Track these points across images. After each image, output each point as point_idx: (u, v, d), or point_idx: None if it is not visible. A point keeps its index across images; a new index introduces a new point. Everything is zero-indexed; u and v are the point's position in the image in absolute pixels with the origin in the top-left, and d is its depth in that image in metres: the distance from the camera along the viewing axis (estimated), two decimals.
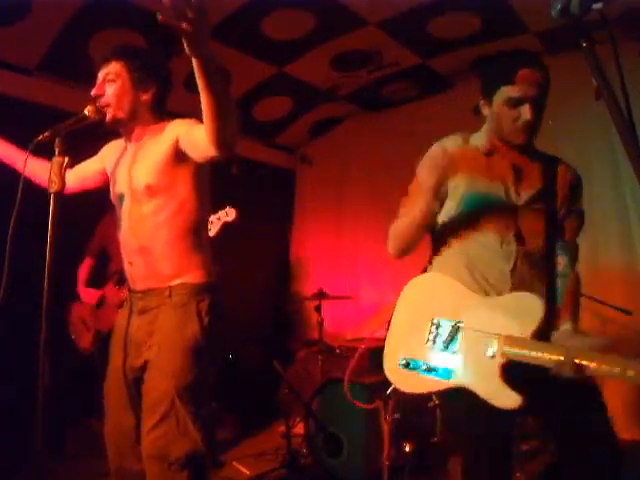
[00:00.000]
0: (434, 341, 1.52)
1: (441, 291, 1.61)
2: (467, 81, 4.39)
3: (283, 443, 3.18)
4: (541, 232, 1.58)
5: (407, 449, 2.68)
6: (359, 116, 5.12)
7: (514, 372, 1.36)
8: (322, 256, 5.32)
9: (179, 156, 1.66)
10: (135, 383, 1.70)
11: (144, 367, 1.66)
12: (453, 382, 1.44)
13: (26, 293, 1.87)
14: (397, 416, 2.74)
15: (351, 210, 5.20)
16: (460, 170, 1.63)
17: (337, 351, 3.73)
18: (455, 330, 1.49)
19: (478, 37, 3.69)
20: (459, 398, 1.43)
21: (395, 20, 3.48)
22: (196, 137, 1.55)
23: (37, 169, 1.81)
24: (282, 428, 3.28)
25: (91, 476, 2.65)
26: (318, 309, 3.78)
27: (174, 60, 1.38)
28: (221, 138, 1.47)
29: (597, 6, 0.90)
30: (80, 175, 1.92)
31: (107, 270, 3.21)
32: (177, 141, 1.65)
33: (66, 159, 1.48)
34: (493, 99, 1.62)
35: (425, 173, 1.67)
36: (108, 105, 1.68)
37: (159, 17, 1.11)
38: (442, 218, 1.70)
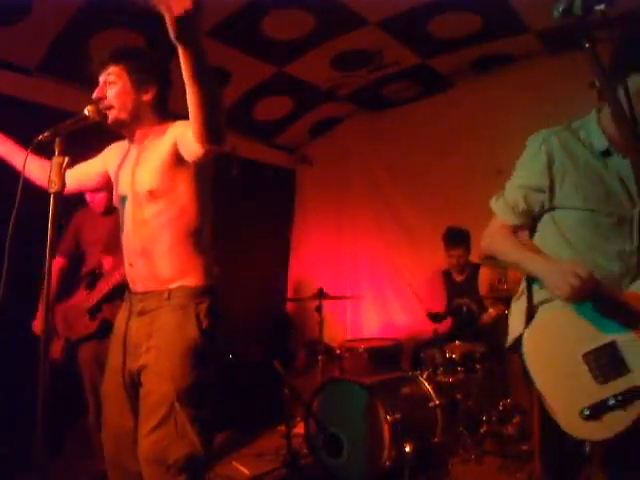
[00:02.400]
0: (601, 373, 1.37)
1: (562, 324, 1.45)
2: (467, 81, 4.40)
3: (283, 443, 3.17)
4: None
5: (407, 449, 2.68)
6: (359, 116, 5.12)
7: None
8: (322, 256, 5.32)
9: (179, 159, 1.66)
10: (133, 385, 1.69)
11: (142, 369, 1.65)
12: None
13: (22, 293, 1.87)
14: (397, 416, 2.75)
15: (351, 210, 5.21)
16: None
17: (337, 351, 3.73)
18: (613, 350, 1.36)
19: (478, 37, 3.69)
20: None
21: (395, 20, 3.48)
22: (187, 136, 1.55)
23: (34, 168, 1.80)
24: (282, 428, 3.28)
25: (90, 476, 2.65)
26: (318, 309, 3.78)
27: (174, 60, 1.37)
28: (208, 132, 1.46)
29: (600, 7, 0.90)
30: (79, 175, 1.91)
31: (79, 272, 2.93)
32: (175, 143, 1.65)
33: (66, 159, 1.47)
34: (627, 86, 1.27)
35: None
36: (110, 107, 1.68)
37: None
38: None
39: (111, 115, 1.68)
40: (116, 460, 1.71)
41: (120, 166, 1.82)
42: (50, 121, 1.53)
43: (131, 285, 1.79)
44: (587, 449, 1.47)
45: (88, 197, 2.91)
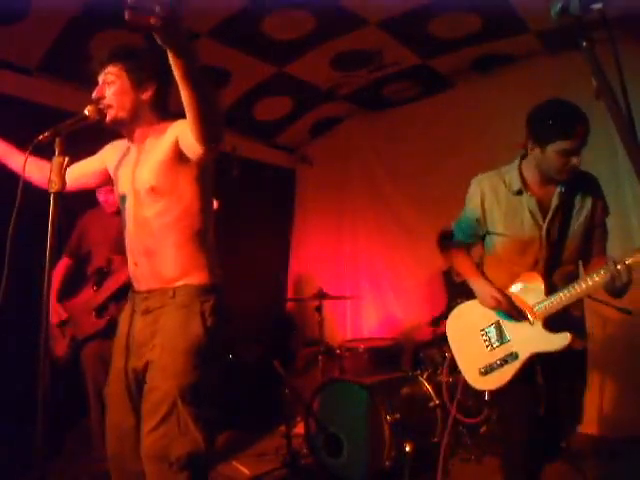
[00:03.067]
0: (491, 344, 2.01)
1: (470, 312, 2.13)
2: (467, 81, 4.40)
3: (283, 443, 3.17)
4: None
5: (407, 449, 2.68)
6: (359, 116, 5.12)
7: (553, 324, 1.87)
8: (322, 256, 5.32)
9: (181, 157, 1.66)
10: (137, 385, 1.69)
11: (146, 368, 1.65)
12: (522, 358, 1.90)
13: (22, 293, 1.87)
14: (397, 416, 2.75)
15: (351, 210, 5.21)
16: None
17: (337, 351, 3.74)
18: (499, 327, 2.01)
19: (478, 37, 3.69)
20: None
21: (395, 20, 3.48)
22: (188, 135, 1.56)
23: (33, 170, 1.79)
24: (282, 428, 3.28)
25: (90, 476, 2.65)
26: (318, 309, 3.79)
27: None
28: (205, 132, 1.47)
29: (597, 6, 0.90)
30: (78, 174, 1.90)
31: (85, 271, 2.97)
32: (177, 142, 1.65)
33: (66, 159, 1.48)
34: (547, 148, 1.83)
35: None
36: (110, 106, 1.68)
37: (126, 16, 1.11)
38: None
39: (110, 114, 1.68)
40: (119, 460, 1.71)
41: (119, 165, 1.82)
42: (50, 121, 1.54)
43: (135, 284, 1.79)
44: (486, 397, 2.28)
45: (102, 197, 2.92)
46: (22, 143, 1.81)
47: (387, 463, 2.70)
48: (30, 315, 2.70)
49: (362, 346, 3.77)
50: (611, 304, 3.03)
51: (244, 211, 4.49)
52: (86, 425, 2.86)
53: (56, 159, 1.48)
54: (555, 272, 1.94)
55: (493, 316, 2.02)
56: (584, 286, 1.82)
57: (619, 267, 1.72)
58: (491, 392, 2.06)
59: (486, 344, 2.02)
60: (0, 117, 1.90)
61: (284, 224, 5.64)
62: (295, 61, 3.94)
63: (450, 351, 2.21)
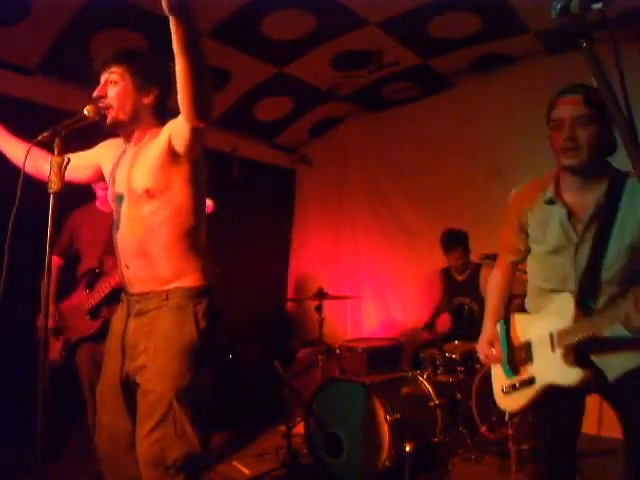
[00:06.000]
0: (514, 364, 1.84)
1: (516, 325, 1.90)
2: (467, 81, 4.40)
3: (283, 443, 3.17)
4: None
5: (407, 449, 2.68)
6: (359, 116, 5.12)
7: (577, 356, 1.65)
8: (322, 256, 5.32)
9: (175, 156, 1.66)
10: (130, 387, 1.68)
11: (139, 370, 1.65)
12: (537, 386, 1.73)
13: (23, 293, 1.86)
14: (397, 416, 2.74)
15: (351, 210, 5.21)
16: None
17: (337, 351, 3.73)
18: (528, 347, 1.79)
19: (478, 37, 3.69)
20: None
21: (395, 20, 3.48)
22: (178, 123, 1.57)
23: (37, 158, 1.78)
24: (282, 428, 3.28)
25: (90, 476, 2.65)
26: (318, 309, 3.78)
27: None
28: (195, 105, 1.48)
29: (597, 6, 0.89)
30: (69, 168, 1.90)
31: (77, 272, 2.91)
32: (170, 140, 1.65)
33: (65, 159, 1.48)
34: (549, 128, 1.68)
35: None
36: (110, 107, 1.68)
37: None
38: None
39: (110, 115, 1.68)
40: (112, 461, 1.71)
41: (116, 165, 1.81)
42: (50, 121, 1.54)
43: (128, 286, 1.78)
44: (506, 417, 2.08)
45: (101, 193, 2.86)
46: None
47: (387, 463, 2.70)
48: (30, 315, 2.72)
49: (362, 346, 3.77)
50: None
51: (244, 211, 4.49)
52: (86, 425, 2.85)
53: (55, 159, 1.48)
54: (596, 294, 1.64)
55: (526, 333, 1.84)
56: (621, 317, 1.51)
57: None
58: (511, 414, 1.93)
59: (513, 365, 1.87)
60: (0, 117, 1.89)
61: (284, 224, 5.64)
62: (295, 61, 3.94)
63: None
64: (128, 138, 1.79)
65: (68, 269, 2.96)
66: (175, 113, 1.64)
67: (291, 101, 4.63)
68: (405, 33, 3.67)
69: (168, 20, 1.36)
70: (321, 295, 3.72)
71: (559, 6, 0.93)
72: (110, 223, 2.60)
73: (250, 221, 4.73)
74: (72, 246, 2.96)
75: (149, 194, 1.67)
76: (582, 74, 1.05)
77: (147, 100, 1.73)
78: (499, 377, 1.91)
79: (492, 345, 1.90)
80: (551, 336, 1.70)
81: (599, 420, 3.30)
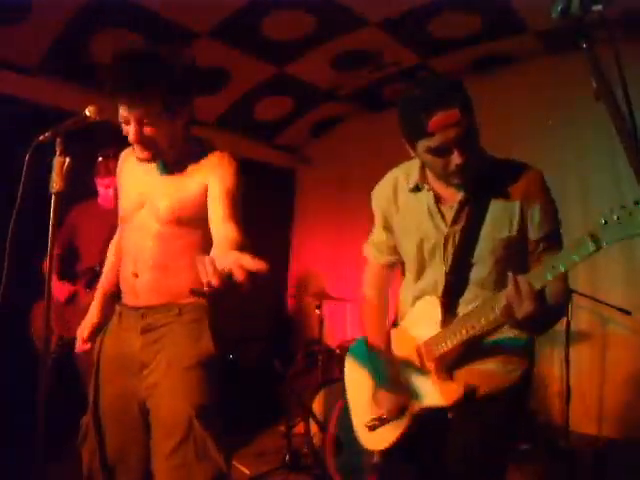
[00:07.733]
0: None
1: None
2: (467, 81, 4.38)
3: (283, 443, 3.17)
4: None
5: None
6: (359, 116, 5.12)
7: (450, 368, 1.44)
8: (322, 256, 5.32)
9: (206, 197, 1.63)
10: (140, 408, 1.60)
11: (150, 390, 1.56)
12: (408, 413, 1.48)
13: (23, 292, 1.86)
14: None
15: (351, 210, 5.19)
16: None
17: (337, 351, 3.73)
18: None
19: (478, 37, 3.69)
20: None
21: (395, 20, 3.48)
22: (217, 182, 1.60)
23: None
24: (282, 428, 3.28)
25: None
26: (318, 309, 3.78)
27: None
28: None
29: (597, 7, 0.90)
30: None
31: (75, 269, 2.90)
32: (206, 189, 1.62)
33: (67, 159, 1.48)
34: (417, 149, 1.52)
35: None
36: (151, 147, 1.56)
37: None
38: None
39: (151, 151, 1.57)
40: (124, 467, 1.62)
41: (141, 179, 1.71)
42: (50, 121, 1.54)
43: (130, 297, 1.67)
44: (375, 459, 1.67)
45: (102, 190, 2.86)
46: (22, 143, 1.81)
47: None
48: (29, 315, 2.72)
49: None
50: (611, 304, 3.04)
51: (244, 211, 4.48)
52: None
53: (57, 159, 1.48)
54: (463, 298, 1.45)
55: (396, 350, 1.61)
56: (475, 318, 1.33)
57: (524, 286, 1.19)
58: (380, 453, 1.60)
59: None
60: (0, 117, 1.89)
61: (284, 224, 5.64)
62: (295, 61, 3.94)
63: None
64: (160, 158, 1.65)
65: (66, 265, 2.97)
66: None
67: (291, 101, 4.63)
68: (405, 33, 3.67)
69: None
70: (321, 295, 3.73)
71: (559, 7, 0.93)
72: (111, 221, 2.60)
73: (250, 221, 4.72)
74: (71, 242, 2.95)
75: (179, 221, 1.62)
76: (582, 74, 1.05)
77: (180, 123, 1.59)
78: (360, 411, 1.65)
79: None
80: (418, 349, 1.47)
81: (599, 420, 3.30)
